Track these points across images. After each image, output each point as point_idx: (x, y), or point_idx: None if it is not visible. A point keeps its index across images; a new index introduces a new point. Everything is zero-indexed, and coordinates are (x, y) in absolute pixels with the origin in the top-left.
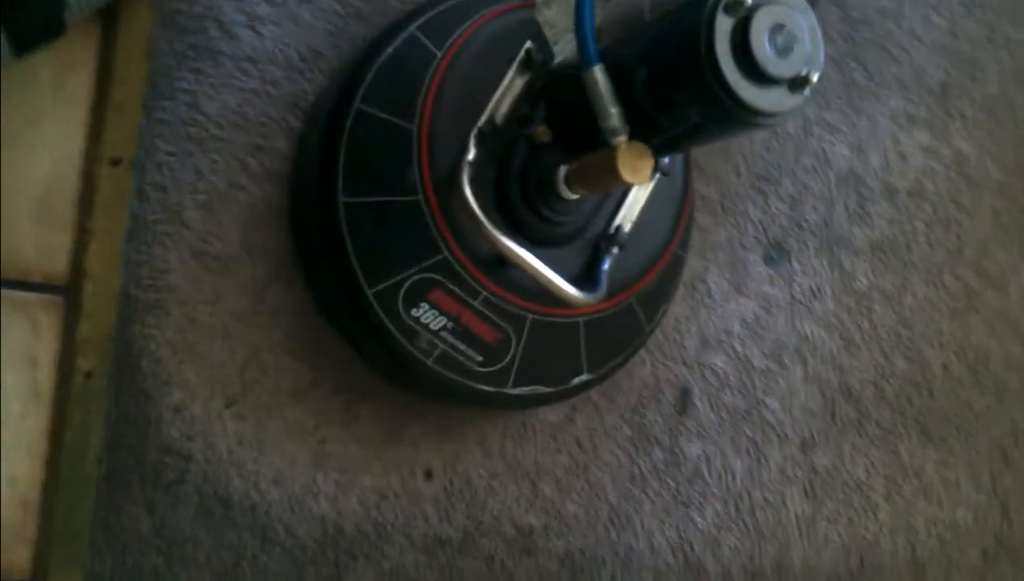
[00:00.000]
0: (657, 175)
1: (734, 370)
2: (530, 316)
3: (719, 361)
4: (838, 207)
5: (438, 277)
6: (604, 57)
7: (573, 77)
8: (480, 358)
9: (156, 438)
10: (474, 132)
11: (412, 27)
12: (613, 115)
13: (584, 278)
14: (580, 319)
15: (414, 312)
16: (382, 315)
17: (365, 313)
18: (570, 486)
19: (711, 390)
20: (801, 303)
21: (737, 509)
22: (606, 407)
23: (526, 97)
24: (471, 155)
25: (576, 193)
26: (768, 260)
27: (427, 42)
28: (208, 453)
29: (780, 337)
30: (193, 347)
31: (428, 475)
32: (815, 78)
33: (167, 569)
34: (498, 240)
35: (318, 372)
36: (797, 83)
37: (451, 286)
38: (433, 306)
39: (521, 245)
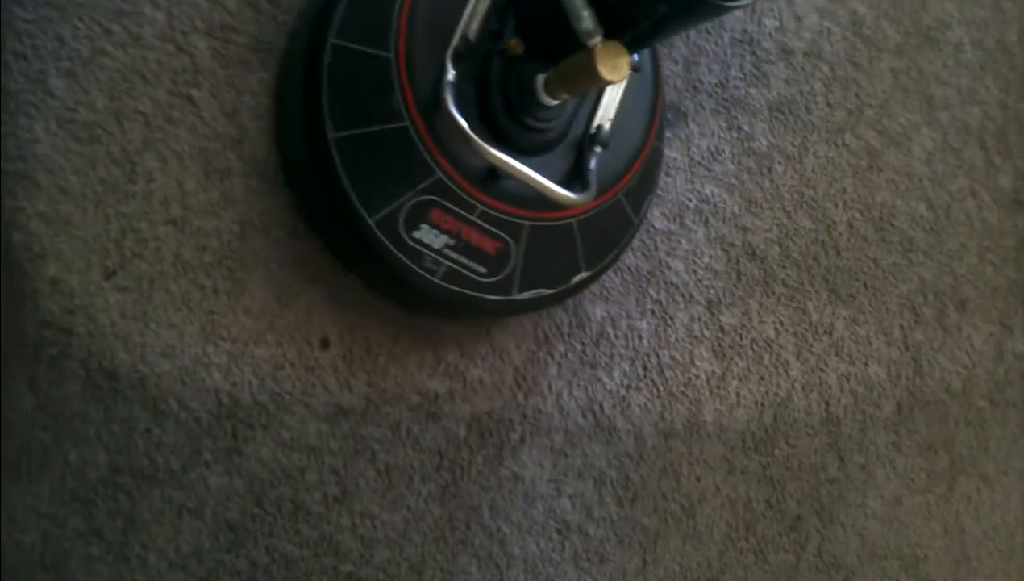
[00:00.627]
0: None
1: (639, 233)
2: (526, 223)
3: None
4: (734, 68)
5: (435, 197)
6: None
7: None
8: (484, 270)
9: (34, 313)
10: (450, 53)
11: None
12: (586, 17)
13: (573, 180)
14: (573, 220)
15: (416, 234)
16: (386, 241)
17: (368, 242)
18: (473, 351)
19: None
20: (700, 165)
21: (645, 369)
22: None
23: (495, 12)
24: (451, 76)
25: (556, 98)
26: (667, 123)
27: None
28: (90, 327)
29: (681, 199)
30: (66, 218)
31: (325, 344)
32: None
33: (55, 445)
34: (489, 153)
35: (199, 239)
36: None
37: (448, 204)
38: (433, 226)
39: (509, 156)
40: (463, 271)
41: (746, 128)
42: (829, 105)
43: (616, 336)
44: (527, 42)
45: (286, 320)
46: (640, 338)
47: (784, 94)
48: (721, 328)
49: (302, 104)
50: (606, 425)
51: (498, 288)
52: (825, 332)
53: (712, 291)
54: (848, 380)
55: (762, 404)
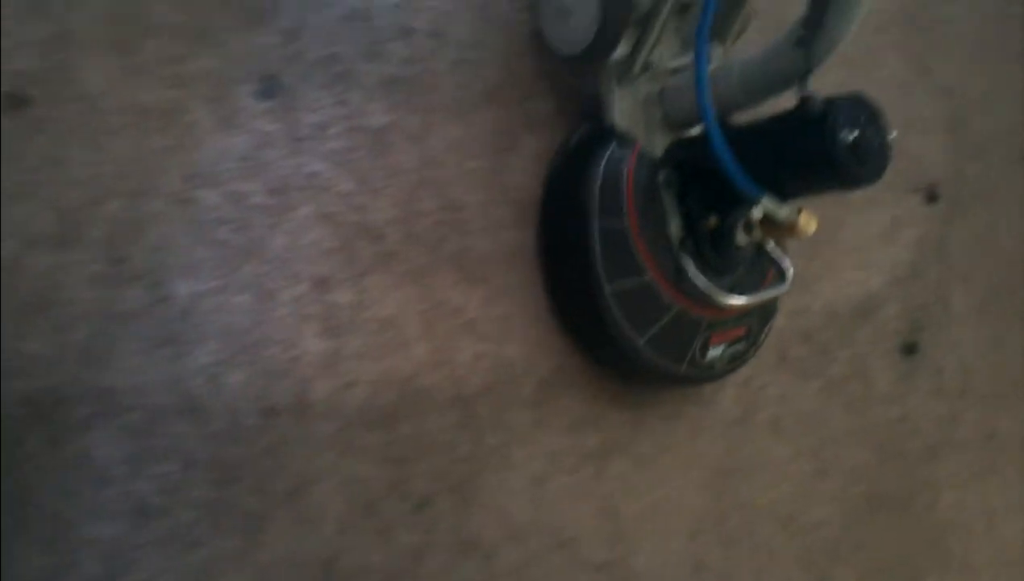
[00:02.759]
0: None
1: (231, 207)
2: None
3: (212, 197)
4: (345, 44)
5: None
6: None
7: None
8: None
9: None
10: (676, 249)
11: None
12: (784, 209)
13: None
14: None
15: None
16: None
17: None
18: (31, 325)
19: (201, 229)
20: (307, 140)
21: (243, 347)
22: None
23: (683, 203)
24: (691, 268)
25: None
26: (263, 94)
27: (617, 151)
28: None
29: (284, 173)
30: None
31: None
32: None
33: None
34: (717, 294)
35: None
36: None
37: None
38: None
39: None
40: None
41: (359, 104)
42: (457, 86)
43: (206, 312)
44: (716, 213)
45: None
46: (236, 315)
47: (403, 72)
48: (334, 306)
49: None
50: (195, 404)
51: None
52: (455, 312)
53: (322, 269)
54: (482, 359)
55: (381, 383)
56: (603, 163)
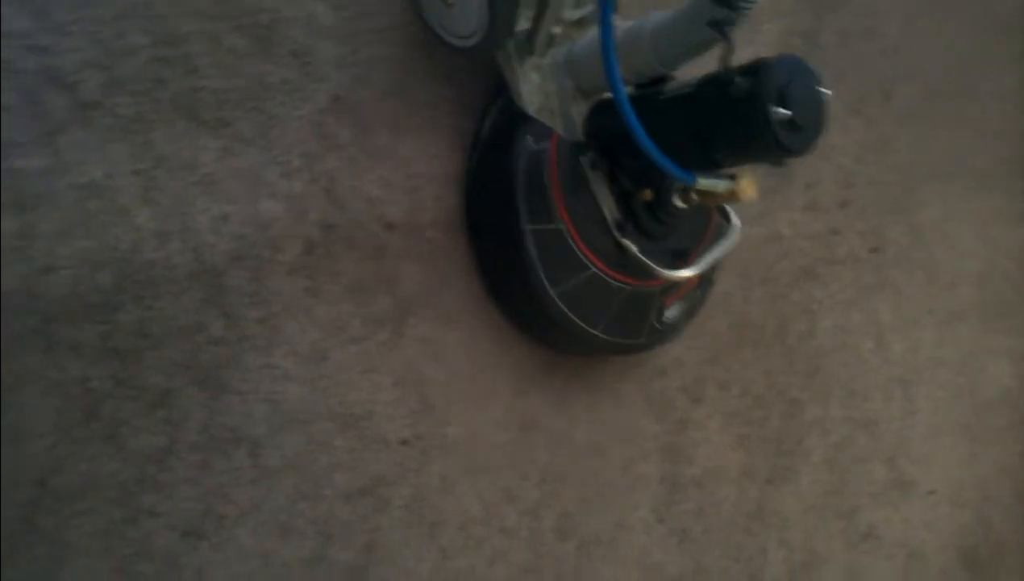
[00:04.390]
0: None
1: None
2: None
3: None
4: None
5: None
6: (663, 145)
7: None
8: None
9: None
10: (616, 233)
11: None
12: (722, 184)
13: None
14: None
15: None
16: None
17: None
18: None
19: None
20: None
21: None
22: None
23: (614, 181)
24: (634, 247)
25: (688, 205)
26: None
27: (535, 144)
28: None
29: None
30: None
31: None
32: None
33: None
34: (667, 275)
35: None
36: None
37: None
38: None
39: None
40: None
41: None
42: None
43: None
44: (650, 186)
45: None
46: None
47: None
48: (16, 174)
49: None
50: None
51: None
52: (185, 168)
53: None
54: (226, 222)
55: (93, 262)
56: (522, 160)
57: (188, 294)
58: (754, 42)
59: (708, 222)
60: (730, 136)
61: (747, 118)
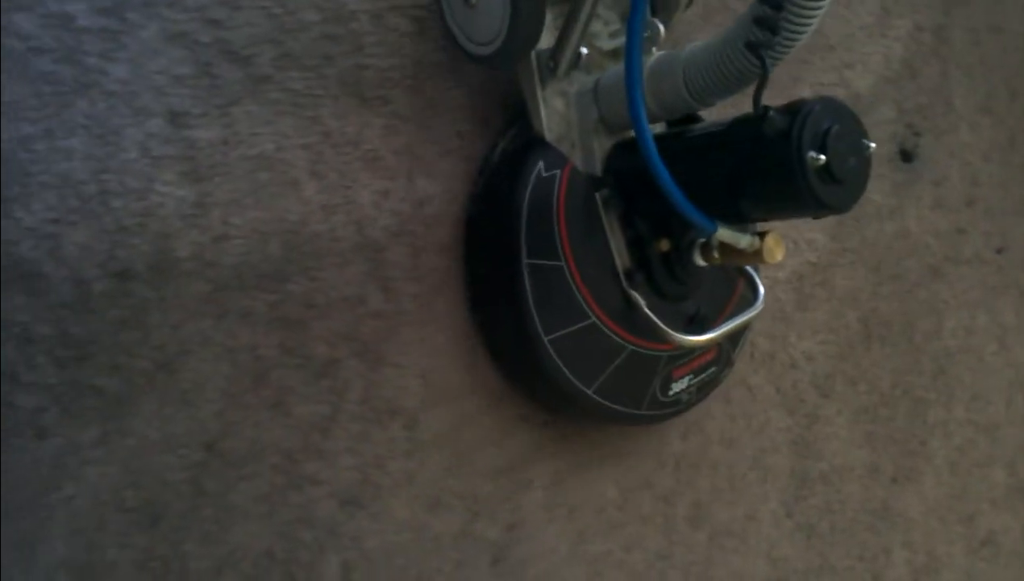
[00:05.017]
0: None
1: (51, 35)
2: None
3: (27, 24)
4: None
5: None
6: (686, 188)
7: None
8: None
9: None
10: (625, 283)
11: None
12: (745, 238)
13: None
14: None
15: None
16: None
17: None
18: None
19: (15, 60)
20: None
21: (81, 200)
22: None
23: (629, 226)
24: (642, 302)
25: (710, 263)
26: None
27: (546, 172)
28: None
29: None
30: None
31: None
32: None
33: None
34: (675, 338)
35: None
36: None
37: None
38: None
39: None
40: None
41: None
42: None
43: (32, 162)
44: (667, 235)
45: None
46: (70, 161)
47: None
48: (193, 144)
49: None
50: (28, 271)
51: None
52: (349, 143)
53: (176, 101)
54: (387, 198)
55: (265, 233)
56: (530, 186)
57: (351, 267)
58: (886, 36)
59: (732, 292)
60: (759, 181)
61: (779, 161)
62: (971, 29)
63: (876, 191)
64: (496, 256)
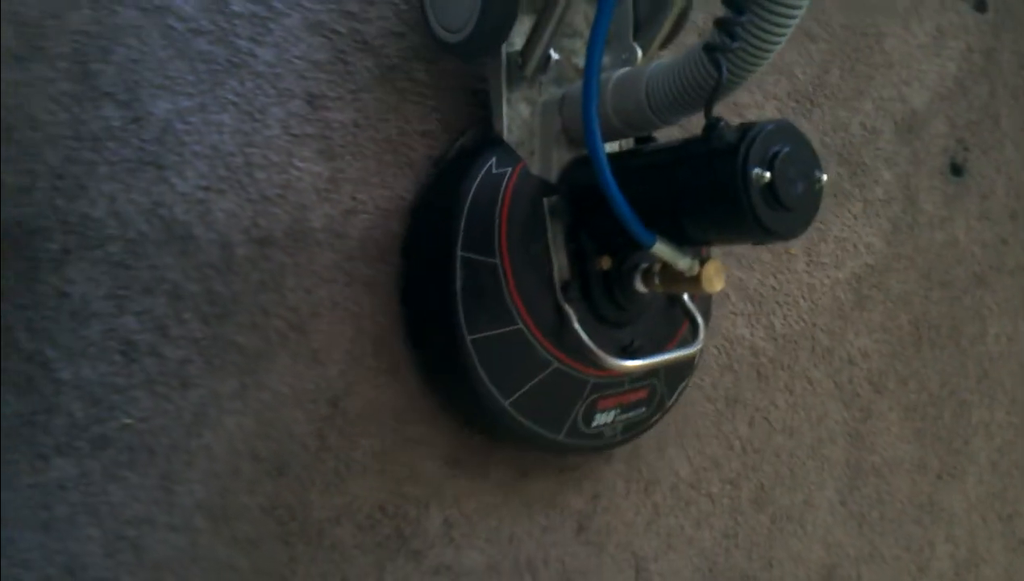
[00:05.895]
0: None
1: (208, 19)
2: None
3: (187, 6)
4: None
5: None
6: (634, 203)
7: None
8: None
9: None
10: (561, 298)
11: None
12: (684, 260)
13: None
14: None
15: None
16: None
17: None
18: None
19: (176, 39)
20: None
21: (229, 169)
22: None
23: (572, 239)
24: (575, 318)
25: (650, 289)
26: None
27: (497, 168)
28: None
29: None
30: None
31: None
32: (824, 181)
33: None
34: (602, 358)
35: None
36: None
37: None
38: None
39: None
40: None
41: None
42: None
43: (187, 133)
44: (610, 254)
45: None
46: (220, 134)
47: None
48: (329, 125)
49: (440, 302)
50: (180, 233)
51: None
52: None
53: (313, 84)
54: None
55: (385, 210)
56: (477, 180)
57: None
58: (940, 55)
59: (675, 333)
60: (701, 196)
61: (725, 174)
62: (1019, 52)
63: (928, 202)
64: (431, 245)
